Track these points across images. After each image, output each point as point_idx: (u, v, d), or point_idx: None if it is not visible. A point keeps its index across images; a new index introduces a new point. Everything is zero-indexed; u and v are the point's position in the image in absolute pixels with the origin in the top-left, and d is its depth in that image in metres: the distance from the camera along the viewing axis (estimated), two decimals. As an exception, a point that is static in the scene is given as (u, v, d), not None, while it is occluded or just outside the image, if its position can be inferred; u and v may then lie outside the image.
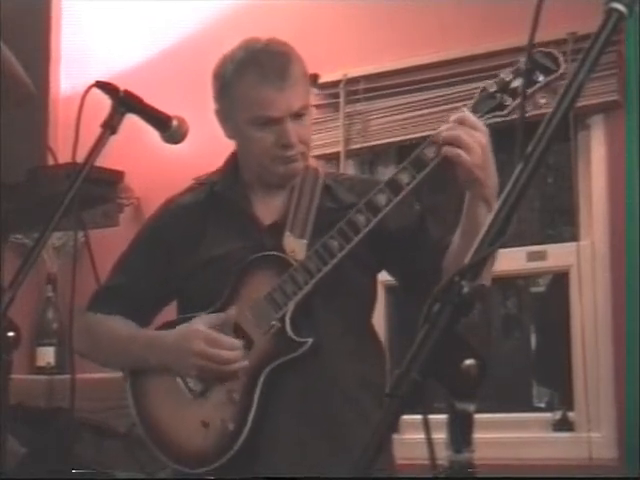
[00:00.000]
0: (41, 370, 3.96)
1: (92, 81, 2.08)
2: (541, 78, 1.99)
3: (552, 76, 1.99)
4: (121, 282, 2.26)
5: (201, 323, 2.08)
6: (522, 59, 2.04)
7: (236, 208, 2.20)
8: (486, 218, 1.91)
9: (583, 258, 3.24)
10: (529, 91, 1.98)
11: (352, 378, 2.10)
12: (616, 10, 1.20)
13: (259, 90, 2.10)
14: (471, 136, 1.94)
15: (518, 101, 2.00)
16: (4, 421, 1.85)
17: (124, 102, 2.07)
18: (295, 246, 2.09)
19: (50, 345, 4.01)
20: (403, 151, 3.72)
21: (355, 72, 3.64)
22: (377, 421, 1.07)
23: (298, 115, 2.12)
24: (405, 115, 3.55)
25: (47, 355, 4.01)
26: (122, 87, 2.10)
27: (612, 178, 3.21)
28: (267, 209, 2.19)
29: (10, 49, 2.64)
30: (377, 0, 3.68)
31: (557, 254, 3.37)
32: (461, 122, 1.96)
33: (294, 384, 2.05)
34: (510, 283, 3.80)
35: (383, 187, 2.02)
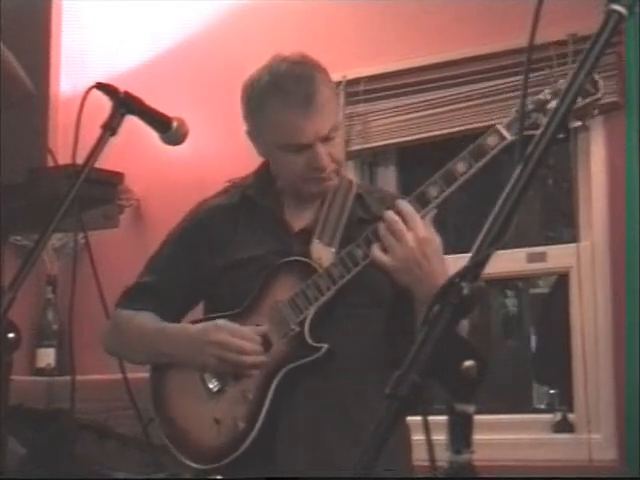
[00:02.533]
0: (41, 371, 3.96)
1: (92, 82, 2.08)
2: (579, 100, 1.96)
3: (590, 99, 1.99)
4: (151, 280, 2.29)
5: (224, 320, 2.11)
6: (562, 80, 2.02)
7: (267, 212, 2.22)
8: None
9: (583, 259, 3.24)
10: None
11: (372, 386, 2.08)
12: (616, 11, 1.20)
13: (285, 118, 2.08)
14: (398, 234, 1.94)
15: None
16: (4, 422, 1.85)
17: (124, 103, 2.07)
18: (322, 253, 2.10)
19: (50, 346, 4.02)
20: (403, 153, 3.72)
21: (355, 73, 3.65)
22: (377, 422, 1.07)
23: (328, 137, 2.10)
24: (405, 116, 3.55)
25: (47, 356, 4.01)
26: (122, 88, 2.10)
27: (612, 179, 3.21)
28: (298, 215, 2.21)
29: (10, 49, 2.63)
30: (377, 1, 3.68)
31: (557, 255, 3.37)
32: (401, 215, 1.97)
33: (309, 388, 2.06)
34: (510, 284, 3.81)
35: (411, 199, 2.01)
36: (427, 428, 1.10)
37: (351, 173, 3.69)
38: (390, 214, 1.97)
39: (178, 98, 3.75)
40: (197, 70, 4.01)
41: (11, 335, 1.80)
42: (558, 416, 3.30)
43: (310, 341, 2.05)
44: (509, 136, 1.99)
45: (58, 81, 4.26)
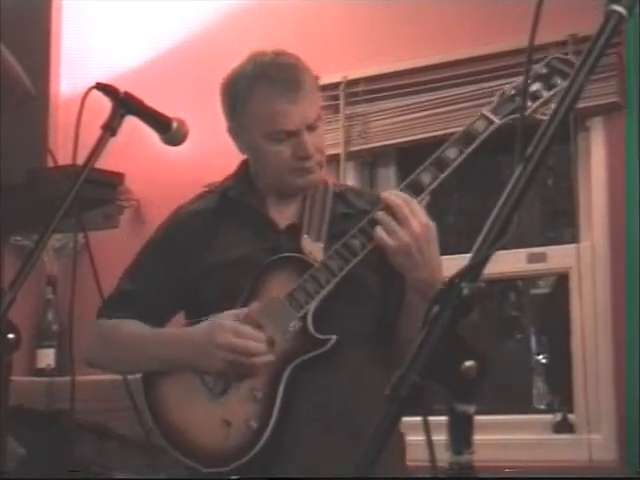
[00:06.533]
0: (41, 372, 3.96)
1: (92, 83, 2.08)
2: (559, 82, 2.03)
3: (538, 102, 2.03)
4: (133, 288, 2.26)
5: (226, 317, 2.08)
6: (539, 65, 2.07)
7: (252, 212, 2.21)
8: (419, 310, 1.97)
9: (583, 260, 3.24)
10: (548, 94, 2.02)
11: (371, 382, 2.07)
12: (616, 12, 1.20)
13: (272, 104, 2.10)
14: (404, 220, 1.95)
15: (537, 103, 2.03)
16: (4, 422, 1.85)
17: (124, 104, 2.08)
18: (312, 248, 2.11)
19: (50, 347, 4.01)
20: (403, 153, 3.72)
21: (355, 74, 3.65)
22: (377, 422, 1.07)
23: (313, 126, 2.13)
24: (405, 117, 3.56)
25: (47, 357, 4.01)
26: (122, 88, 2.10)
27: (612, 180, 3.21)
28: (282, 214, 2.21)
29: (10, 50, 2.63)
30: (377, 1, 3.68)
31: (557, 256, 3.37)
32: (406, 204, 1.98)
33: (317, 382, 2.05)
34: (510, 285, 3.81)
35: (403, 187, 2.03)
36: (427, 428, 1.10)
37: (351, 173, 3.69)
38: (394, 199, 1.98)
39: (178, 98, 3.75)
40: (197, 70, 4.02)
41: (11, 335, 1.80)
42: (558, 416, 3.30)
43: (316, 334, 2.04)
44: (497, 120, 2.02)
45: (58, 81, 4.26)
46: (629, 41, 3.07)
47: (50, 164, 3.05)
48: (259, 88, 2.12)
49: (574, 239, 3.33)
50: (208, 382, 2.09)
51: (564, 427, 3.27)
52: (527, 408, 3.62)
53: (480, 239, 1.14)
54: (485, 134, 2.02)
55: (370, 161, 3.79)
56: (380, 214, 1.98)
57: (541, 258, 3.39)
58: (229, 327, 2.05)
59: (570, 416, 3.28)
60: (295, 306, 2.05)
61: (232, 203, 2.24)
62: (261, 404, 2.03)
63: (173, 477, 2.19)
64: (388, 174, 3.76)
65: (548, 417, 3.36)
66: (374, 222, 2.00)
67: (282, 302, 2.06)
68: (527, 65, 1.93)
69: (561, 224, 3.73)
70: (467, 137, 2.03)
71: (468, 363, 1.10)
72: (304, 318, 2.05)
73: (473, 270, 1.12)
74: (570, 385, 3.29)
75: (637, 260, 3.02)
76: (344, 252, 2.04)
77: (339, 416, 2.06)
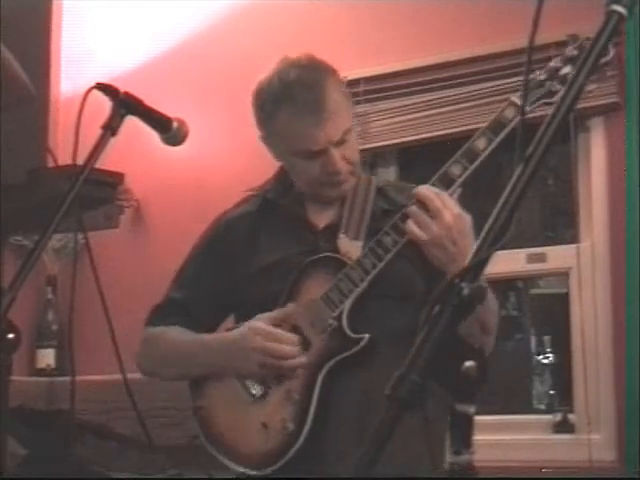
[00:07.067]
0: (41, 372, 3.96)
1: (92, 83, 2.08)
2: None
3: (602, 60, 1.99)
4: (180, 296, 2.28)
5: (260, 321, 2.09)
6: (570, 47, 2.04)
7: (290, 214, 2.23)
8: None
9: (583, 260, 3.24)
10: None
11: None
12: (616, 12, 1.20)
13: (296, 127, 2.10)
14: (436, 214, 1.94)
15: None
16: (5, 422, 1.85)
17: (124, 104, 2.07)
18: (349, 248, 2.11)
19: (50, 347, 4.01)
20: (403, 153, 3.72)
21: (355, 74, 3.64)
22: (378, 422, 1.07)
23: (341, 141, 2.12)
24: (405, 117, 3.55)
25: (47, 357, 4.01)
26: (123, 89, 2.10)
27: (612, 180, 3.21)
28: (321, 214, 2.22)
29: (10, 50, 2.63)
30: (377, 1, 3.68)
31: (557, 256, 3.37)
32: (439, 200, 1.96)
33: (353, 382, 2.05)
34: (510, 285, 3.81)
35: (434, 181, 2.02)
36: (427, 428, 1.10)
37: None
38: (425, 192, 1.97)
39: (178, 98, 3.75)
40: (197, 70, 4.01)
41: (11, 335, 1.80)
42: (558, 416, 3.30)
43: (350, 333, 2.04)
44: (526, 106, 1.97)
45: (58, 81, 4.26)
46: (629, 41, 3.06)
47: (50, 164, 3.04)
48: (283, 109, 2.12)
49: (574, 239, 3.33)
50: (249, 387, 2.10)
51: (564, 427, 3.27)
52: (527, 408, 3.61)
53: (480, 239, 1.14)
54: (515, 121, 1.99)
55: (370, 161, 3.79)
56: (412, 208, 1.98)
57: (541, 258, 3.39)
58: (261, 330, 2.07)
59: (570, 416, 3.28)
60: (330, 306, 2.06)
61: (272, 206, 2.26)
62: (297, 405, 2.04)
63: (173, 477, 2.20)
64: (388, 174, 3.75)
65: (548, 417, 3.36)
66: (406, 217, 2.00)
67: (318, 303, 2.07)
68: (527, 65, 1.94)
69: (561, 224, 3.73)
70: (496, 125, 2.01)
71: (468, 363, 1.10)
72: (339, 317, 2.05)
73: (473, 270, 1.12)
74: (570, 385, 3.29)
75: (637, 260, 3.02)
76: (377, 249, 2.04)
77: (376, 415, 2.05)
